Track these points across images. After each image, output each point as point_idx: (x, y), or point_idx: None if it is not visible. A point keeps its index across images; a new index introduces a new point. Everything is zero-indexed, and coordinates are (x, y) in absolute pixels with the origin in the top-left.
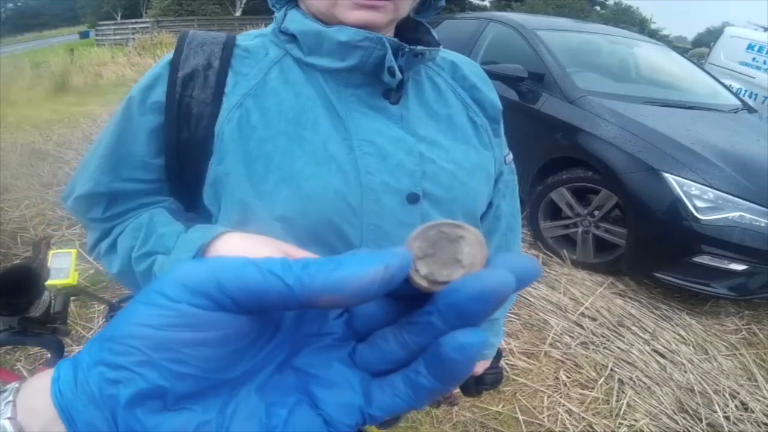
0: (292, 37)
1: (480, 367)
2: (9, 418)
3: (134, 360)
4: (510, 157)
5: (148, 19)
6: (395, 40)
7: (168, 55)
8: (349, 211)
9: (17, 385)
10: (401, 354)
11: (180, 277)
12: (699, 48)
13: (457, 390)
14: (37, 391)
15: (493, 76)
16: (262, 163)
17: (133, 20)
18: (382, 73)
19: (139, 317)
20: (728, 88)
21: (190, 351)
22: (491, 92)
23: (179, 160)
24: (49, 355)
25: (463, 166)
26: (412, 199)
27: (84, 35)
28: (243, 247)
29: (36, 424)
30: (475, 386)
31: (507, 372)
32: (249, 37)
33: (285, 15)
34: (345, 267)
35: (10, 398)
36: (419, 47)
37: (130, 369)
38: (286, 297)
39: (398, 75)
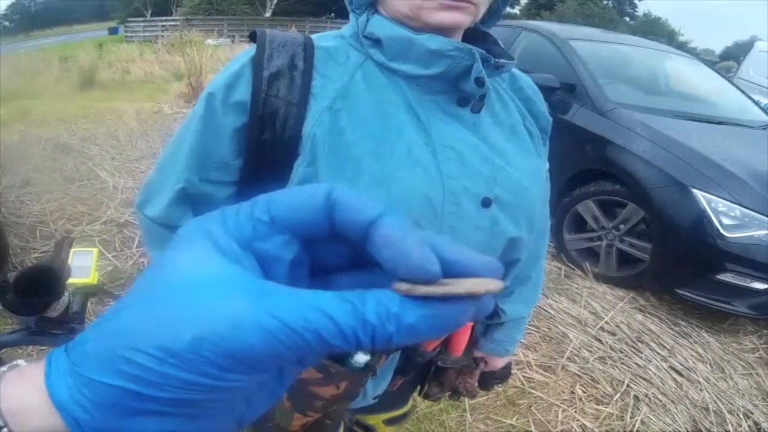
0: (376, 42)
1: (500, 363)
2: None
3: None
4: (547, 165)
5: (178, 17)
6: (483, 51)
7: (244, 53)
8: (432, 214)
9: None
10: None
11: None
12: (726, 61)
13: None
14: (26, 392)
15: None
16: (351, 166)
17: (163, 18)
18: (463, 82)
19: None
20: (757, 103)
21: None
22: (543, 105)
23: (257, 161)
24: None
25: (527, 173)
26: (486, 203)
27: (113, 31)
28: None
29: (31, 426)
30: (488, 381)
31: (523, 384)
32: (326, 39)
33: (367, 20)
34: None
35: None
36: (502, 60)
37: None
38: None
39: (487, 85)
